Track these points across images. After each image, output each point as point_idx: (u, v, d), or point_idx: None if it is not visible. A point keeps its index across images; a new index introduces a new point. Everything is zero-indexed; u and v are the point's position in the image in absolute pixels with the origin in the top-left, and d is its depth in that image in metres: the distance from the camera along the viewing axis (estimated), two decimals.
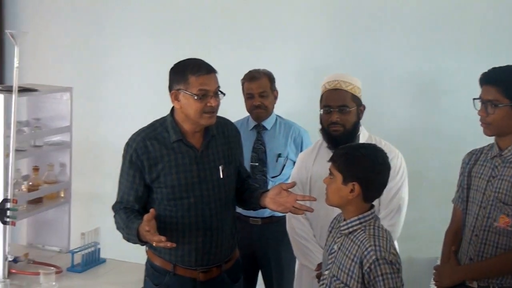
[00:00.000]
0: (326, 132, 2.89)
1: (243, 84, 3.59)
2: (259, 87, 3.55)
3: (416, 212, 3.70)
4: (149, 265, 2.76)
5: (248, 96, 3.57)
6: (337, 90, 2.88)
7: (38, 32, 4.70)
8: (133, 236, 2.53)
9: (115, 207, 2.70)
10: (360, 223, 2.40)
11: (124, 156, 2.68)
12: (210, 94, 2.55)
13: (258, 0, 4.41)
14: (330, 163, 2.48)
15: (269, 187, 3.39)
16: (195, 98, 2.53)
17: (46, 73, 4.55)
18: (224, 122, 2.76)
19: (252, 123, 3.61)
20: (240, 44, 4.43)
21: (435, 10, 3.96)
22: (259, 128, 3.60)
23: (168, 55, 4.51)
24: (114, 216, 2.68)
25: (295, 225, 3.00)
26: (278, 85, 3.65)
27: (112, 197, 4.17)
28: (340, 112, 2.84)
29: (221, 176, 2.64)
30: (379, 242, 2.34)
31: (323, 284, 2.48)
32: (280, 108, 3.73)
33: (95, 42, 4.81)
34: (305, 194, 2.88)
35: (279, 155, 3.57)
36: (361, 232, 2.39)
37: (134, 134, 2.67)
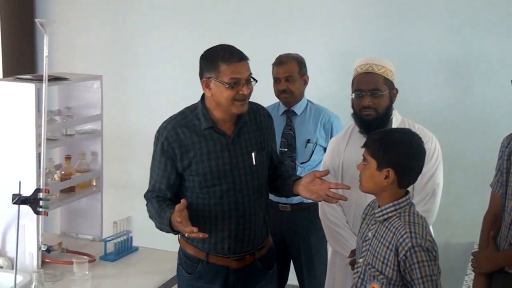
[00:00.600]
0: (358, 116, 2.86)
1: (273, 69, 3.57)
2: (286, 71, 3.52)
3: (451, 197, 3.66)
4: (182, 253, 2.76)
5: (275, 81, 3.56)
6: (369, 73, 2.84)
7: (68, 21, 4.74)
8: (165, 225, 2.54)
9: (147, 196, 2.71)
10: (395, 209, 2.37)
11: (155, 144, 2.68)
12: (242, 82, 2.53)
13: None
14: (363, 149, 2.45)
15: (298, 173, 3.37)
16: (227, 86, 2.51)
17: (76, 61, 4.60)
18: (256, 108, 2.73)
19: (282, 108, 3.60)
20: (268, 28, 4.43)
21: None
22: (289, 114, 3.59)
23: (197, 41, 4.53)
24: (147, 205, 2.69)
25: (327, 212, 2.98)
26: (308, 69, 3.61)
27: (143, 185, 4.19)
28: (372, 96, 2.80)
29: (254, 163, 2.63)
30: (415, 229, 2.31)
31: (357, 272, 2.46)
32: (310, 93, 3.70)
33: (125, 30, 4.85)
34: (338, 182, 2.86)
35: (308, 141, 3.54)
36: (396, 219, 2.36)
37: (164, 122, 2.66)
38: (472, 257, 2.66)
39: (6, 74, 4.70)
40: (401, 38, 4.07)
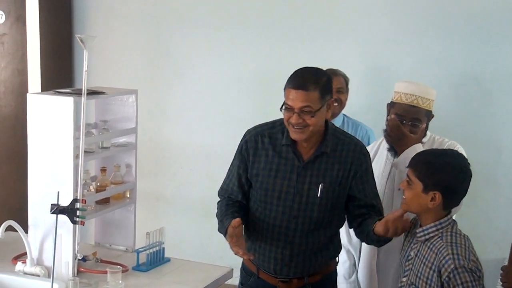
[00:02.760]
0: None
1: None
2: (338, 83, 3.61)
3: (481, 212, 3.64)
4: (242, 263, 2.79)
5: None
6: (414, 106, 2.81)
7: (105, 36, 4.83)
8: (223, 233, 2.56)
9: (220, 193, 2.76)
10: (437, 229, 2.36)
11: (238, 145, 2.69)
12: (295, 111, 2.47)
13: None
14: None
15: None
16: (283, 108, 2.49)
17: (112, 75, 4.67)
18: (348, 142, 2.61)
19: None
20: (304, 42, 4.46)
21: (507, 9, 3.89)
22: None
23: (232, 57, 4.59)
24: (218, 203, 2.73)
25: None
26: None
27: (175, 198, 4.29)
28: (411, 126, 2.80)
29: (318, 195, 2.54)
30: (457, 250, 2.29)
31: None
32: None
33: (161, 45, 4.91)
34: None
35: None
36: (438, 239, 2.35)
37: (253, 127, 2.68)
38: (501, 271, 2.65)
39: (45, 88, 4.79)
40: (433, 56, 4.09)
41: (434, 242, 2.37)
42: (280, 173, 2.58)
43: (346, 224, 2.77)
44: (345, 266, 3.13)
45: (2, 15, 4.97)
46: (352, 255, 3.12)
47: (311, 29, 4.47)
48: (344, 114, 3.77)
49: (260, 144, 2.63)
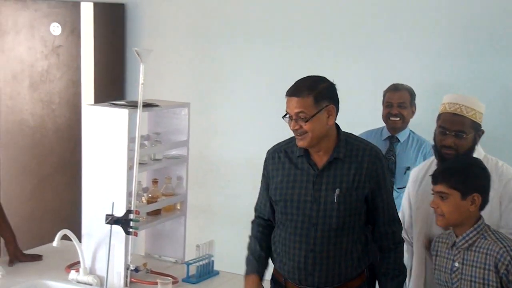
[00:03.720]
0: (438, 151, 2.81)
1: (384, 95, 3.75)
2: (400, 97, 3.70)
3: None
4: (272, 274, 2.81)
5: (387, 105, 3.74)
6: (457, 115, 2.76)
7: (156, 49, 4.87)
8: (245, 273, 2.76)
9: (255, 213, 2.86)
10: (477, 232, 2.46)
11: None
12: (292, 117, 2.56)
13: (383, 13, 4.42)
14: (436, 185, 2.51)
15: (394, 197, 3.30)
16: (284, 117, 2.60)
17: (164, 88, 4.70)
18: (364, 148, 2.64)
19: (386, 134, 3.78)
20: (361, 56, 4.46)
21: None
22: (392, 140, 3.78)
23: (282, 70, 4.59)
24: (251, 223, 2.86)
25: None
26: None
27: (223, 211, 4.28)
28: (455, 137, 2.74)
29: (335, 200, 2.56)
30: (507, 243, 2.41)
31: None
32: None
33: (212, 58, 4.94)
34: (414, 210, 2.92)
35: (408, 168, 3.66)
36: (482, 240, 2.45)
37: (272, 146, 2.77)
38: None
39: (98, 100, 4.85)
40: (492, 73, 4.03)
41: (479, 245, 2.45)
42: (297, 183, 2.63)
43: None
44: None
45: (58, 27, 5.08)
46: None
47: (370, 44, 4.45)
48: (410, 130, 3.80)
49: (277, 159, 2.71)
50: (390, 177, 3.48)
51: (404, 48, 4.32)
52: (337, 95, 2.61)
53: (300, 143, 2.58)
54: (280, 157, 2.70)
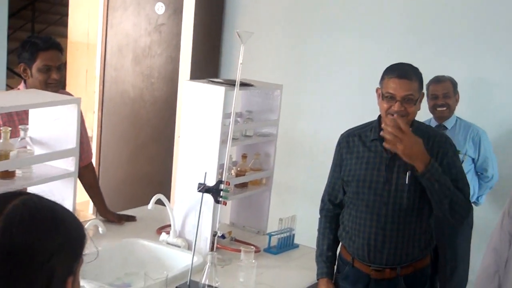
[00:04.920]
0: None
1: (428, 88, 3.83)
2: (444, 88, 3.85)
3: None
4: (339, 253, 2.87)
5: (433, 97, 3.87)
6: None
7: (252, 32, 4.96)
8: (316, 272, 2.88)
9: (322, 201, 2.91)
10: None
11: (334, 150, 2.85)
12: (396, 99, 2.56)
13: (431, 12, 4.47)
14: None
15: None
16: (382, 98, 2.62)
17: (256, 69, 4.77)
18: (434, 135, 2.70)
19: (434, 123, 3.87)
20: (413, 51, 4.46)
21: None
22: (440, 128, 3.85)
23: (367, 63, 4.61)
24: (319, 216, 2.94)
25: None
26: None
27: (304, 189, 4.33)
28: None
29: (406, 182, 2.60)
30: None
31: None
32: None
33: (304, 46, 4.98)
34: None
35: (458, 152, 3.61)
36: None
37: (345, 131, 2.83)
38: None
39: (193, 76, 4.99)
40: None
41: None
42: (370, 165, 2.68)
43: None
44: None
45: (162, 6, 5.24)
46: None
47: (421, 40, 4.53)
48: (457, 116, 3.93)
49: (351, 143, 2.76)
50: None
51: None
52: None
53: None
54: (354, 141, 2.76)
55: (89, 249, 1.34)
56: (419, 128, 2.69)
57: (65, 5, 7.08)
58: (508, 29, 4.31)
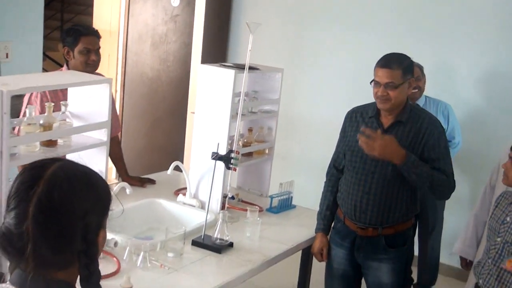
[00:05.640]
0: None
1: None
2: (414, 73, 3.78)
3: None
4: (336, 212, 2.91)
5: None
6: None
7: (257, 21, 4.93)
8: (316, 226, 2.95)
9: (328, 166, 2.95)
10: None
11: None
12: (380, 84, 2.59)
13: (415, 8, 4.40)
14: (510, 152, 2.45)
15: None
16: (372, 84, 2.64)
17: (261, 54, 4.78)
18: (424, 117, 2.68)
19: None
20: (399, 40, 4.44)
21: None
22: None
23: (357, 51, 4.61)
24: (325, 181, 2.96)
25: None
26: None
27: (300, 159, 4.30)
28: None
29: None
30: None
31: (494, 248, 2.44)
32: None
33: (303, 35, 4.97)
34: None
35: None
36: None
37: (352, 108, 2.85)
38: None
39: (204, 60, 4.93)
40: None
41: None
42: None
43: None
44: None
45: None
46: None
47: (430, 30, 4.45)
48: (425, 95, 3.95)
49: (354, 118, 2.80)
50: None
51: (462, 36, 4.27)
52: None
53: (381, 106, 2.64)
54: (356, 117, 2.79)
55: (116, 207, 1.36)
56: (411, 110, 2.70)
57: None
58: (473, 22, 4.31)
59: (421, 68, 3.92)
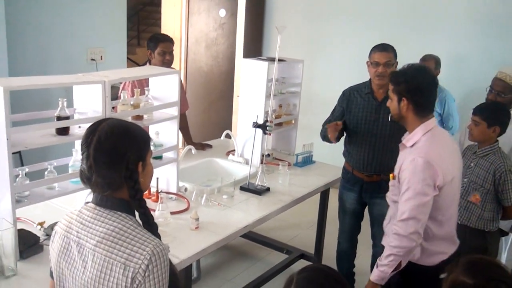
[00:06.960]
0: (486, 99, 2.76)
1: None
2: (429, 65, 3.52)
3: None
4: (343, 166, 2.89)
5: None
6: (500, 80, 2.69)
7: (284, 23, 4.86)
8: (323, 133, 2.78)
9: (322, 125, 2.89)
10: (491, 149, 2.38)
11: (338, 99, 2.84)
12: (380, 63, 2.55)
13: (419, 6, 4.24)
14: (473, 116, 2.42)
15: None
16: (370, 65, 2.59)
17: (286, 49, 4.76)
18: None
19: None
20: (418, 33, 4.28)
21: None
22: None
23: (363, 39, 4.53)
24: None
25: None
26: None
27: (317, 127, 4.24)
28: (497, 95, 2.70)
29: (389, 120, 2.56)
30: (505, 160, 2.34)
31: (463, 186, 2.42)
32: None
33: (318, 32, 4.88)
34: None
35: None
36: (492, 155, 2.38)
37: (347, 87, 2.79)
38: None
39: (245, 56, 4.90)
40: None
41: (489, 157, 2.39)
42: (365, 109, 2.67)
43: None
44: None
45: (224, 11, 5.23)
46: None
47: (428, 23, 4.29)
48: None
49: (352, 95, 2.74)
50: None
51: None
52: None
53: (380, 82, 2.61)
54: (354, 94, 2.75)
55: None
56: None
57: (159, 12, 7.10)
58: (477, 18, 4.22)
59: (437, 59, 3.64)
